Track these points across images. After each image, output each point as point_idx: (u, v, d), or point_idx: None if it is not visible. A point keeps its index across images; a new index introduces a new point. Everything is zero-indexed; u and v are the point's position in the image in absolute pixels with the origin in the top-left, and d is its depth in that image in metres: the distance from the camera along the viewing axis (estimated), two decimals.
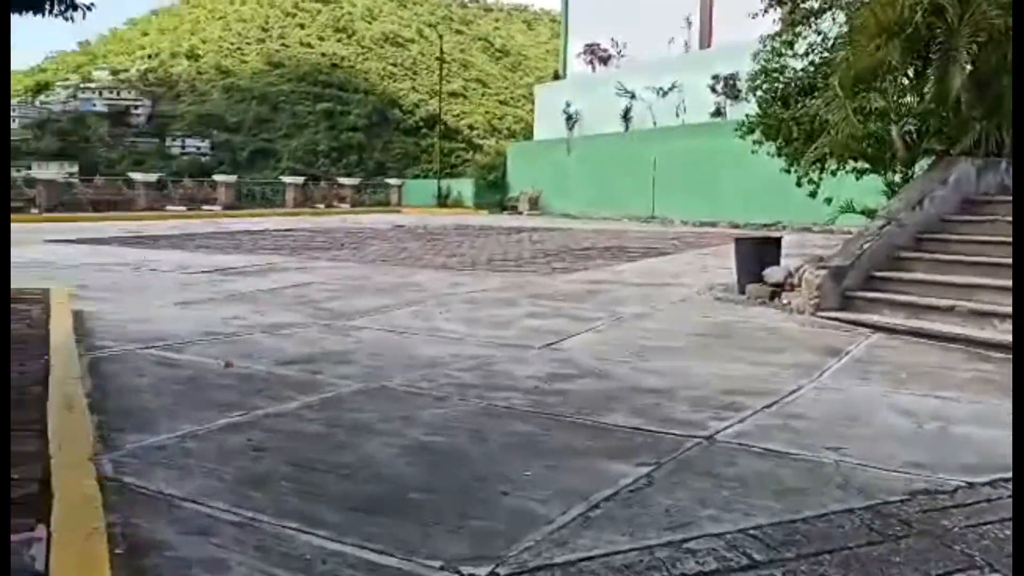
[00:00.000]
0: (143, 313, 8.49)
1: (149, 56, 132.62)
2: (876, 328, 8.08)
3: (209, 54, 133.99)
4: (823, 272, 8.72)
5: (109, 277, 11.44)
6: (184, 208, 29.36)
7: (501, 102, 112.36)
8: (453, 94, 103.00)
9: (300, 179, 35.76)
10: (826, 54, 12.07)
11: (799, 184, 12.16)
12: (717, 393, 5.70)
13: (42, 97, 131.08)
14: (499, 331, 8.05)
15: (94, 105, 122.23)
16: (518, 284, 11.35)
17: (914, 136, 9.72)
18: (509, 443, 4.51)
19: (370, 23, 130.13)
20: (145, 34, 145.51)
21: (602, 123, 32.24)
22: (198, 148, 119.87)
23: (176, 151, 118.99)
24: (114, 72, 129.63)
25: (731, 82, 27.58)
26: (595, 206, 30.80)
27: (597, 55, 35.18)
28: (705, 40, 31.25)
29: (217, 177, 32.21)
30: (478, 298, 10.00)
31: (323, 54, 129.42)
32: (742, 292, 10.03)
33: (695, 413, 5.17)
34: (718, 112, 27.92)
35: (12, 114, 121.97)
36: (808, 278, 8.80)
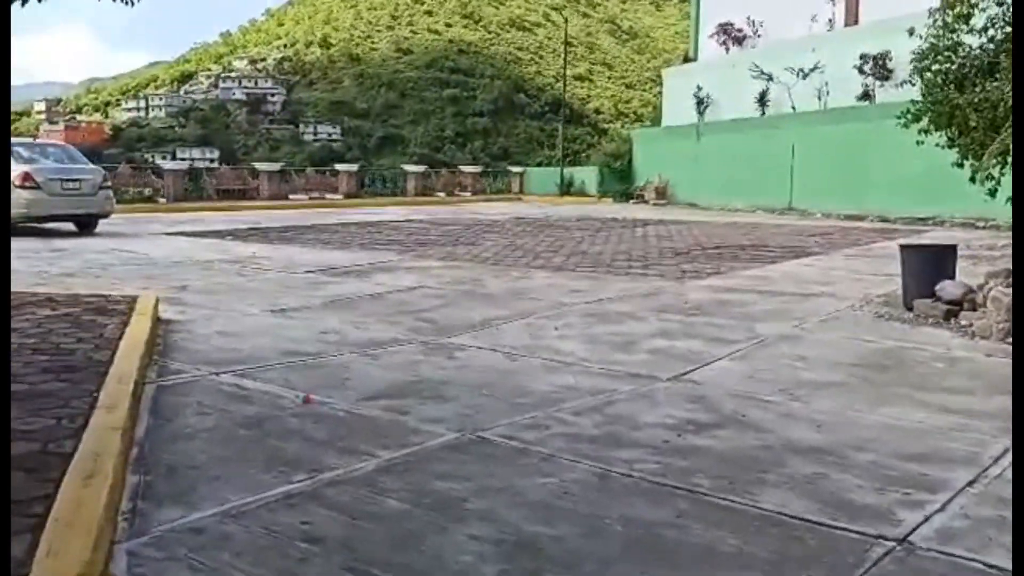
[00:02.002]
0: (233, 325, 7.84)
1: (284, 45, 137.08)
2: None
3: (341, 42, 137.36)
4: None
5: (212, 278, 10.98)
6: (306, 197, 29.42)
7: (628, 85, 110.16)
8: (579, 78, 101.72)
9: (421, 167, 35.41)
10: (1007, 29, 10.35)
11: (973, 180, 10.50)
12: (898, 458, 4.48)
13: (186, 87, 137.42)
14: (621, 354, 6.99)
15: (233, 94, 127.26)
16: (643, 291, 10.23)
17: None
18: (632, 539, 3.47)
19: (497, 8, 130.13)
20: (281, 24, 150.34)
21: (736, 108, 30.41)
22: (329, 135, 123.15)
23: (309, 137, 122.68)
24: (252, 61, 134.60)
25: (881, 62, 25.38)
26: (726, 196, 29.10)
27: (731, 35, 33.22)
28: (852, 16, 28.88)
29: (339, 166, 32.18)
30: (598, 309, 8.94)
31: (450, 40, 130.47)
32: (909, 308, 8.60)
33: (876, 493, 3.98)
34: (866, 95, 25.74)
35: (158, 103, 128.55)
36: (996, 296, 7.33)
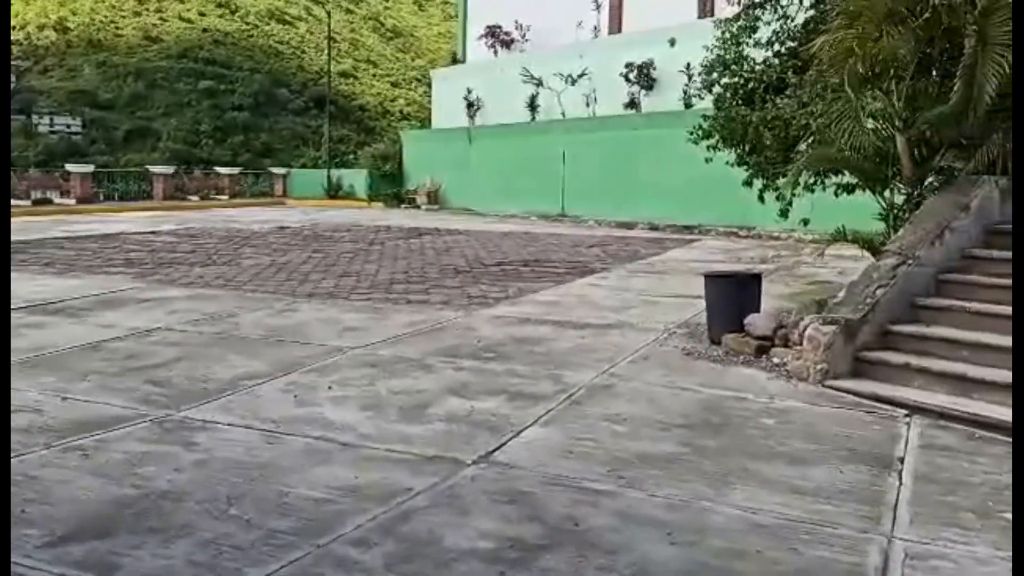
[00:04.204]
0: None
1: (13, 28, 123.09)
2: (911, 408, 6.10)
3: (80, 26, 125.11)
4: (832, 328, 6.69)
5: None
6: (28, 203, 25.55)
7: (393, 84, 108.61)
8: (343, 74, 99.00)
9: (170, 168, 32.07)
10: (791, 43, 10.13)
11: (762, 199, 10.21)
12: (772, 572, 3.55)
13: None
14: (412, 424, 5.71)
15: None
16: (428, 325, 8.98)
17: (923, 149, 7.81)
18: None
19: None
20: None
21: (507, 112, 29.92)
22: (68, 126, 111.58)
23: (44, 129, 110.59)
24: None
25: (645, 71, 25.74)
26: (499, 202, 28.52)
27: (499, 38, 32.75)
28: (616, 23, 29.23)
29: (71, 166, 28.29)
30: (379, 356, 7.58)
31: (204, 29, 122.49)
32: (715, 342, 7.95)
33: None
34: (632, 103, 25.99)
35: None
36: (813, 335, 6.76)
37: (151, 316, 9.23)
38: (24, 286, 10.89)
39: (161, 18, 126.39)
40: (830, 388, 6.58)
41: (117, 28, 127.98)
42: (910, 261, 7.13)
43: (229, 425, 5.66)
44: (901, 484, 4.81)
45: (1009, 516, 4.30)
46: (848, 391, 6.48)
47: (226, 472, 4.79)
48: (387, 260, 14.64)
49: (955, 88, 7.12)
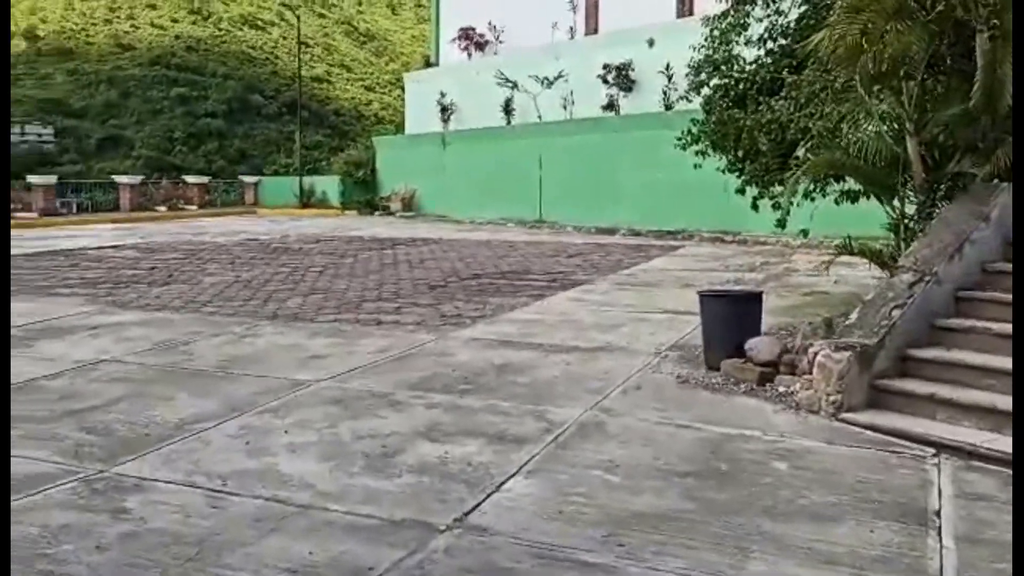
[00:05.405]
0: None
1: None
2: (938, 446, 5.47)
3: (51, 34, 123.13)
4: (845, 355, 6.05)
5: None
6: None
7: (367, 88, 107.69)
8: (317, 79, 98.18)
9: (137, 178, 31.09)
10: (784, 41, 9.50)
11: (756, 207, 9.58)
12: None
13: None
14: (378, 477, 5.01)
15: None
16: (399, 351, 8.26)
17: (936, 153, 7.19)
18: None
19: (227, 4, 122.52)
20: None
21: (481, 116, 29.21)
22: (39, 135, 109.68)
23: (15, 139, 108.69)
24: None
25: (623, 72, 25.12)
26: (476, 208, 27.82)
27: (473, 40, 32.02)
28: (592, 24, 28.59)
29: (32, 178, 27.24)
30: (343, 391, 6.86)
31: (177, 36, 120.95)
32: (712, 367, 7.29)
33: None
34: (610, 105, 25.34)
35: None
36: (824, 362, 6.11)
37: (98, 346, 8.46)
38: None
39: (133, 25, 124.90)
40: (844, 422, 5.93)
41: (88, 36, 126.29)
42: (928, 277, 6.50)
43: (168, 483, 4.94)
44: (943, 547, 4.16)
45: None
46: (865, 426, 5.83)
47: (157, 550, 4.07)
48: (358, 275, 13.89)
49: (975, 87, 6.50)
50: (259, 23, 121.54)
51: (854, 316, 6.55)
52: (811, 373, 6.23)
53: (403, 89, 38.96)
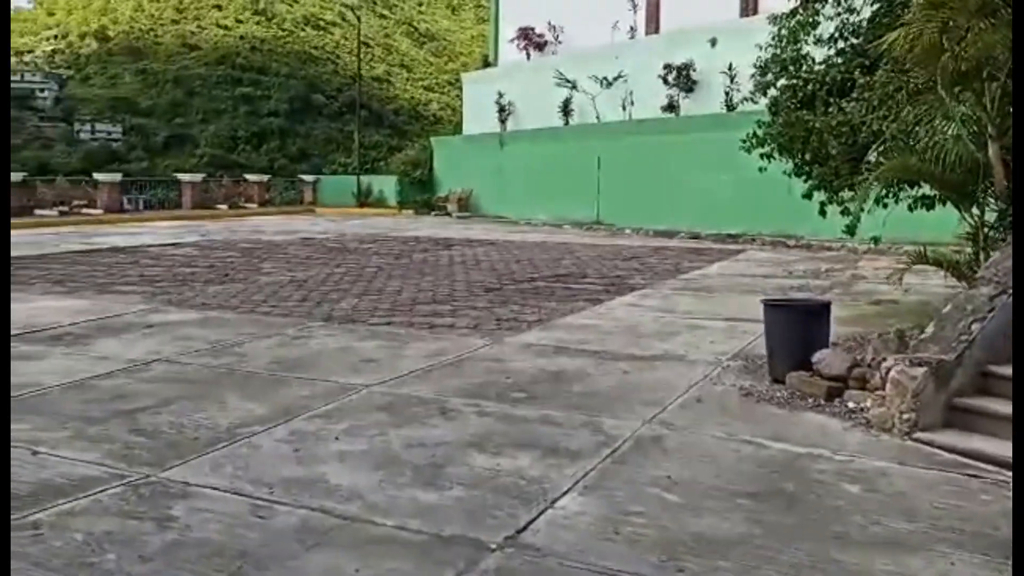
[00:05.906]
0: None
1: (55, 36, 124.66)
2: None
3: (120, 35, 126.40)
4: (921, 371, 5.71)
5: None
6: (55, 213, 25.13)
7: (427, 88, 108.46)
8: (377, 79, 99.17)
9: (199, 176, 31.60)
10: (855, 40, 9.11)
11: (823, 213, 9.21)
12: None
13: None
14: (428, 490, 4.84)
15: None
16: (452, 357, 8.11)
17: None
18: None
19: (291, 5, 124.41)
20: (52, 14, 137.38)
21: (539, 116, 29.02)
22: (109, 133, 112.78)
23: (85, 136, 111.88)
24: (18, 53, 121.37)
25: (684, 73, 24.70)
26: (532, 209, 27.65)
27: (532, 40, 31.84)
28: (653, 24, 28.20)
29: (98, 175, 27.86)
30: (395, 397, 6.72)
31: (241, 36, 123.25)
32: (777, 380, 6.98)
33: None
34: (671, 106, 24.95)
35: None
36: (898, 378, 5.78)
37: (152, 345, 8.46)
38: (23, 308, 10.20)
39: (199, 26, 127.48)
40: (919, 442, 5.59)
41: (156, 36, 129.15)
42: (1010, 290, 6.11)
43: (214, 490, 4.83)
44: None
45: None
46: (942, 447, 5.49)
47: (200, 562, 3.95)
48: (412, 276, 13.80)
49: None
50: (321, 23, 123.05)
51: (930, 329, 6.19)
52: (884, 389, 5.90)
53: (461, 89, 38.98)
